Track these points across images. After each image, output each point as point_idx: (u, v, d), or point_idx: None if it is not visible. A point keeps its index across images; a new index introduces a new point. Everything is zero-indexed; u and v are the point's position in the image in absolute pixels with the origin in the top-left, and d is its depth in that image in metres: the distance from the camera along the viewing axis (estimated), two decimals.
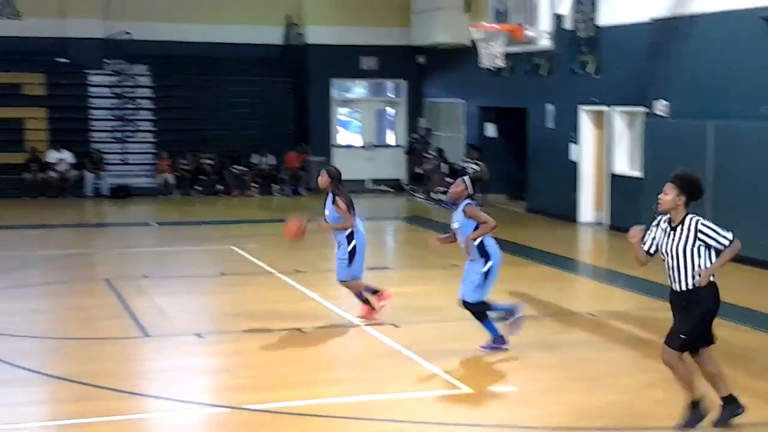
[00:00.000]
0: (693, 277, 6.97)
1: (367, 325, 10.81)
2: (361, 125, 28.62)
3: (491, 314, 9.75)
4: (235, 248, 16.25)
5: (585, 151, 19.85)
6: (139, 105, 25.95)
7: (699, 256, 6.98)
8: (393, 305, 11.26)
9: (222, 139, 25.75)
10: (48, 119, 24.98)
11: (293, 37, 27.07)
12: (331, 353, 9.83)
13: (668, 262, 7.10)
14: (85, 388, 8.51)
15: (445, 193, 23.85)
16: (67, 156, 24.41)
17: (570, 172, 19.99)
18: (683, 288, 7.04)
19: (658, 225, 7.23)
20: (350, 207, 10.79)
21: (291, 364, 9.41)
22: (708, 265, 6.98)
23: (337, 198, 10.73)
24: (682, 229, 7.02)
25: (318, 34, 26.52)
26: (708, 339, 7.14)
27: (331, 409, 7.97)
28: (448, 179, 23.91)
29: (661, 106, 17.01)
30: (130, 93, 25.88)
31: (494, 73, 22.32)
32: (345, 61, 26.54)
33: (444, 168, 24.41)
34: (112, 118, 25.70)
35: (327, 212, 10.87)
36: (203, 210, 22.83)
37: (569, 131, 20.11)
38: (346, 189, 10.97)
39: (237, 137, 25.82)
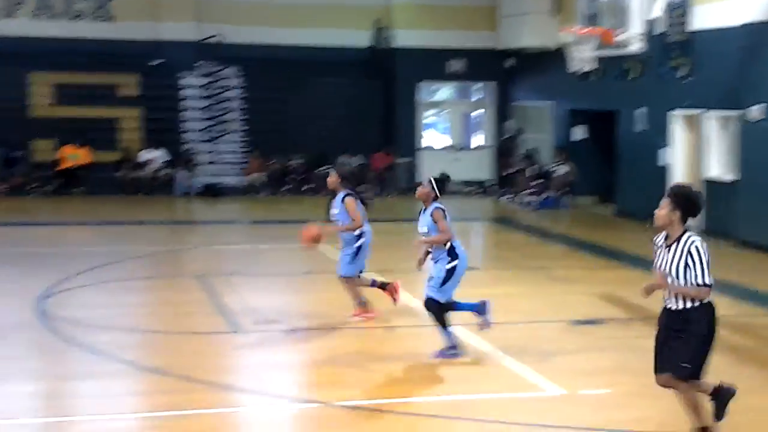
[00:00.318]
0: (685, 299, 6.70)
1: (458, 324, 10.81)
2: (447, 127, 28.66)
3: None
4: (321, 247, 16.36)
5: (677, 155, 19.55)
6: (230, 106, 26.40)
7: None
8: None
9: (310, 140, 26.00)
10: (141, 119, 25.57)
11: (382, 41, 27.21)
12: (423, 352, 9.84)
13: None
14: (178, 381, 8.69)
15: (532, 194, 23.78)
16: (159, 155, 24.93)
17: (661, 175, 19.69)
18: (678, 307, 6.76)
19: (656, 244, 6.92)
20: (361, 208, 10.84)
21: (381, 362, 9.46)
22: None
23: (347, 198, 10.72)
24: (677, 248, 6.69)
25: (406, 37, 26.61)
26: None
27: (422, 408, 8.01)
28: (535, 182, 23.81)
29: (756, 110, 16.66)
30: (220, 94, 26.35)
31: (583, 77, 22.12)
32: (433, 64, 26.58)
33: (531, 170, 24.29)
34: (204, 118, 26.20)
35: (336, 211, 10.83)
36: (291, 209, 23.07)
37: (660, 135, 19.82)
38: (356, 190, 10.94)
39: (325, 138, 26.04)
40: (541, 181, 23.70)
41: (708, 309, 6.74)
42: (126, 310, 11.90)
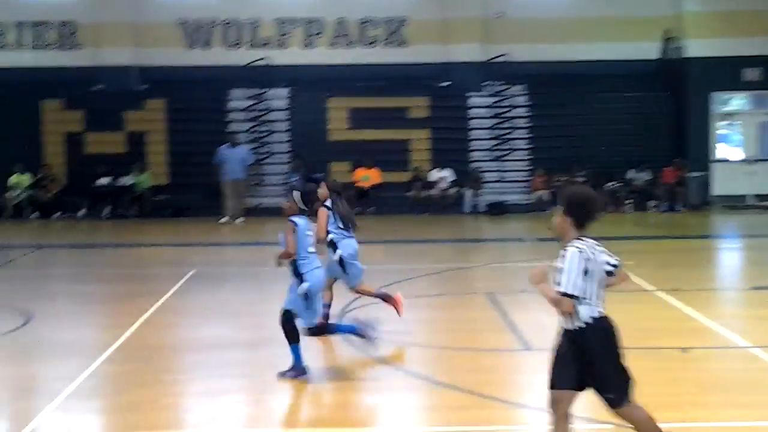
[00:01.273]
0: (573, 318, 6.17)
1: (755, 347, 10.35)
2: (742, 138, 27.39)
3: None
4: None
5: None
6: (515, 124, 26.60)
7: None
8: None
9: (595, 155, 25.72)
10: (430, 140, 26.30)
11: (671, 52, 26.46)
12: (717, 375, 9.49)
13: None
14: (470, 397, 8.86)
15: None
16: (447, 174, 25.53)
17: None
18: (571, 326, 6.23)
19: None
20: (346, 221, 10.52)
21: (674, 384, 9.21)
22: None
23: (320, 209, 10.29)
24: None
25: (698, 46, 25.77)
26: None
27: None
28: None
29: None
30: (506, 113, 26.61)
31: None
32: (726, 73, 25.57)
33: None
34: (490, 137, 26.56)
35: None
36: None
37: None
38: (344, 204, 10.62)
39: (611, 153, 25.71)
40: None
41: (598, 324, 6.26)
42: (419, 326, 12.28)
